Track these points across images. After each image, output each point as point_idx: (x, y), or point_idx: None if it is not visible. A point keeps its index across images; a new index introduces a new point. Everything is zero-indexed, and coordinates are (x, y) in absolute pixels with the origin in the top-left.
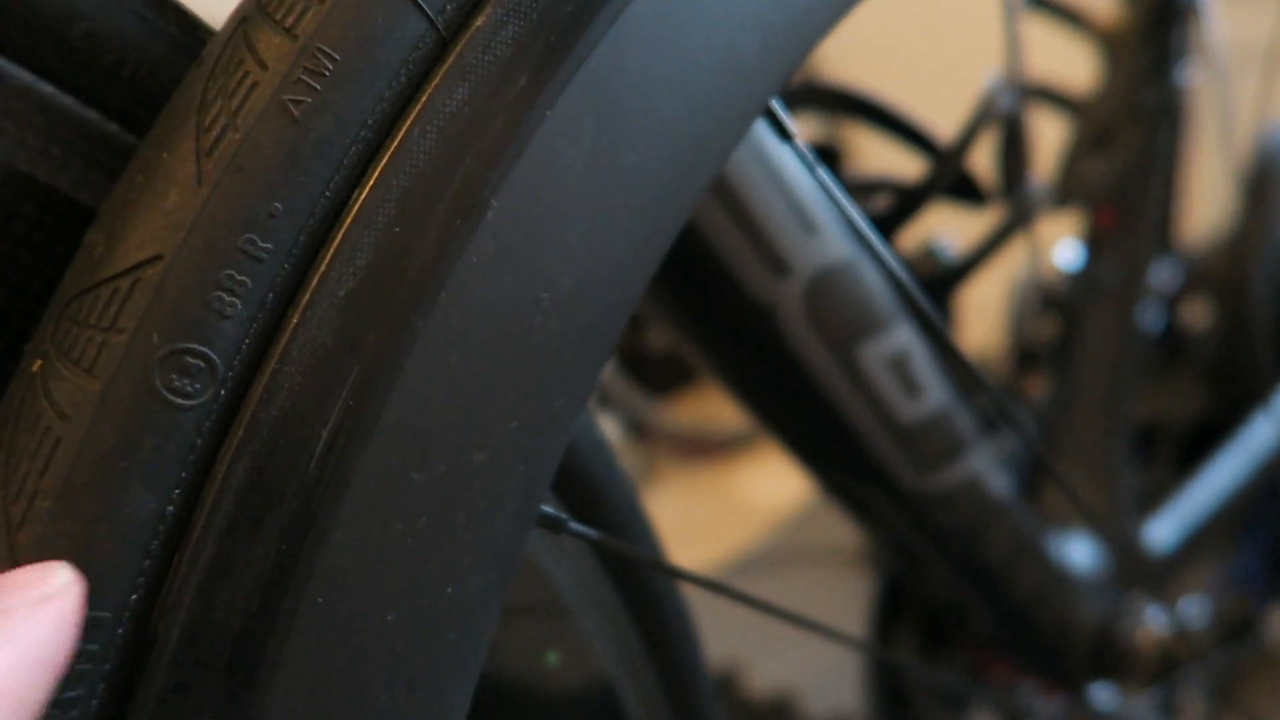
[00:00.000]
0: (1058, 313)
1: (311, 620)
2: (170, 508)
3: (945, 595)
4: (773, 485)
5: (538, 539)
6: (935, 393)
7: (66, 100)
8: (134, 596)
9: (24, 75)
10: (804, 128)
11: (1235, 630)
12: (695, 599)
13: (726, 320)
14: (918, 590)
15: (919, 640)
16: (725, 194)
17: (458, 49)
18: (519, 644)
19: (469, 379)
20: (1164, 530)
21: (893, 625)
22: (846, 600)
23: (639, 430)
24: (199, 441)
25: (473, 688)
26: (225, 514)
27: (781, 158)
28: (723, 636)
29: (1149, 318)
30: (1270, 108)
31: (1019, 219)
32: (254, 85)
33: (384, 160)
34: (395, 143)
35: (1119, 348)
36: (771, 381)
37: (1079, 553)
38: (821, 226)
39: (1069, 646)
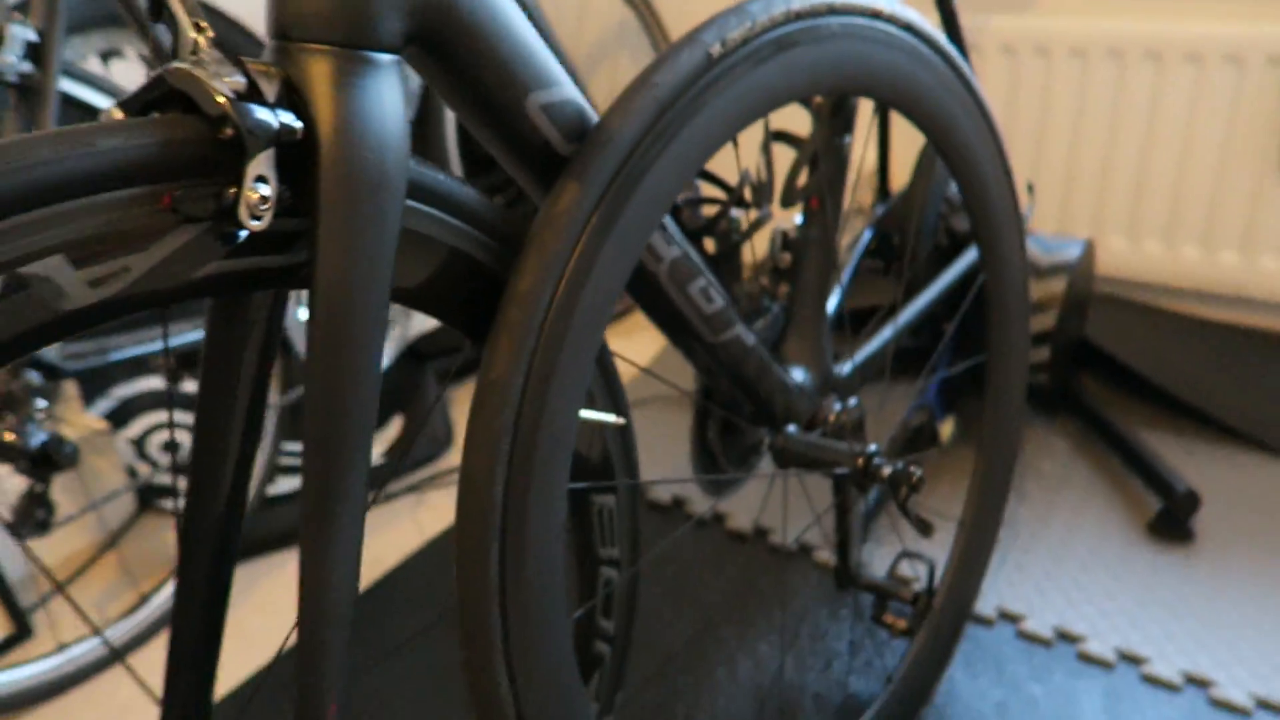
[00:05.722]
0: (792, 251)
1: None
2: None
3: (727, 393)
4: (640, 346)
5: None
6: (719, 301)
7: (490, 208)
8: None
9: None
10: None
11: (921, 432)
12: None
13: (646, 287)
14: (717, 400)
15: (719, 430)
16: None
17: None
18: None
19: None
20: (848, 366)
21: (704, 423)
22: (684, 425)
23: None
24: None
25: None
26: None
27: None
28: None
29: (854, 247)
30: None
31: (763, 211)
32: None
33: None
34: None
35: (822, 270)
36: (656, 304)
37: (799, 375)
38: (677, 239)
39: (789, 415)
